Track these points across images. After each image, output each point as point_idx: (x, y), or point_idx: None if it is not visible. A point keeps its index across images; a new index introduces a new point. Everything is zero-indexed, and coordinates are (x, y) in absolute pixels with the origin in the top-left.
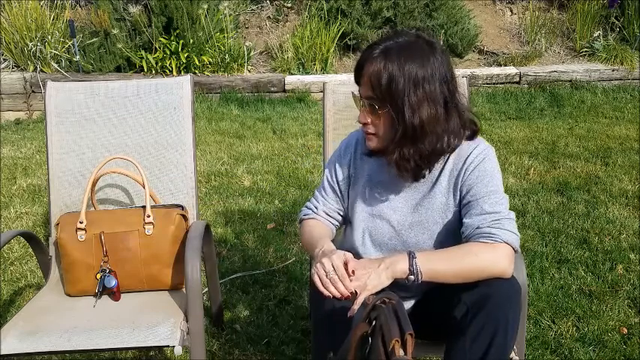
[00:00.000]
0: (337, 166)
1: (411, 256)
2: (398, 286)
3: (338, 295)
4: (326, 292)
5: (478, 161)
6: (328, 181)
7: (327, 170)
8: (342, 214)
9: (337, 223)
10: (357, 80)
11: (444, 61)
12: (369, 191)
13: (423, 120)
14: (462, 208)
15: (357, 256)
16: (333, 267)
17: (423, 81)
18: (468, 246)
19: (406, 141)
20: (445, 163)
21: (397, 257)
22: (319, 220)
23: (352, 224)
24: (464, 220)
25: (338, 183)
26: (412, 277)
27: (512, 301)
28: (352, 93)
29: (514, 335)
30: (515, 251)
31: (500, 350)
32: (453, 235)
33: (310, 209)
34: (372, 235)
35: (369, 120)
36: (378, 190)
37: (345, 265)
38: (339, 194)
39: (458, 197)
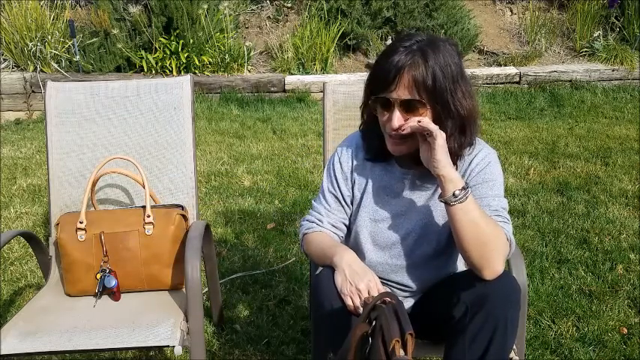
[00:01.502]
0: (338, 173)
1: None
2: (398, 286)
3: (352, 308)
4: (345, 299)
5: (484, 164)
6: (329, 190)
7: (326, 180)
8: (346, 223)
9: (342, 235)
10: (390, 86)
11: (460, 56)
12: (372, 196)
13: (468, 110)
14: None
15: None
16: (369, 293)
17: (457, 74)
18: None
19: (454, 133)
20: None
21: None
22: (326, 232)
23: (355, 229)
24: None
25: (340, 191)
26: (458, 192)
27: (512, 301)
28: (372, 99)
29: (513, 334)
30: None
31: (500, 349)
32: None
33: (313, 222)
34: (376, 239)
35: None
36: (381, 196)
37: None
38: (343, 202)
39: None
